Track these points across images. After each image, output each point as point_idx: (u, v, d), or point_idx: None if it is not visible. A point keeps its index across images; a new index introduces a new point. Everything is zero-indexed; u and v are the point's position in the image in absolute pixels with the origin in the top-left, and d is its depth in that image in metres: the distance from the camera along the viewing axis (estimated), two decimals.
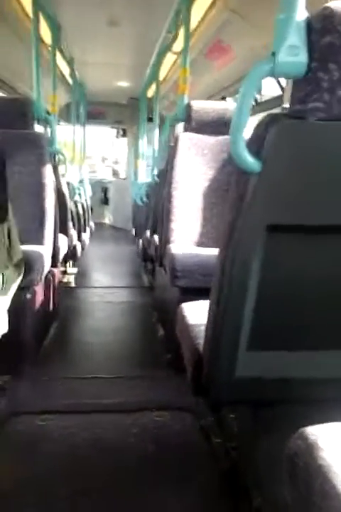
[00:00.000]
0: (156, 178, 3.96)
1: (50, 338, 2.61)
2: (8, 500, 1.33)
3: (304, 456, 0.64)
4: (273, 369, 1.07)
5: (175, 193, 2.40)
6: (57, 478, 1.43)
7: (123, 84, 6.44)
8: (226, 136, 2.43)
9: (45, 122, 3.04)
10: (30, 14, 3.13)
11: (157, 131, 5.32)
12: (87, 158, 8.10)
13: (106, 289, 3.92)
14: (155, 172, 4.21)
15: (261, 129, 0.87)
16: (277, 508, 1.12)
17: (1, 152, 1.26)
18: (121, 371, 2.22)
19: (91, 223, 6.06)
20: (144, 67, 5.36)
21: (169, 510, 1.34)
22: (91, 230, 5.80)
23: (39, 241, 2.35)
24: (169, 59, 4.50)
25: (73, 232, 3.79)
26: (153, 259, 3.40)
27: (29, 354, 2.17)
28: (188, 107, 2.47)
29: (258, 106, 3.20)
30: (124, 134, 8.62)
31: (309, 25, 0.83)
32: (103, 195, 8.86)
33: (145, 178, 6.23)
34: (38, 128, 2.92)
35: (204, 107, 2.46)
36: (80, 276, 4.29)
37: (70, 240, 3.51)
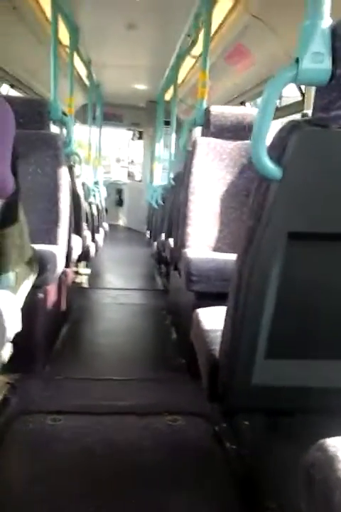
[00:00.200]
0: (172, 182, 3.96)
1: (62, 338, 2.62)
2: (16, 498, 1.34)
3: (323, 468, 0.63)
4: (290, 378, 1.06)
5: (192, 197, 2.40)
6: (66, 478, 1.42)
7: (141, 86, 6.47)
8: (245, 142, 2.43)
9: (61, 123, 3.06)
10: (49, 16, 3.16)
11: (174, 134, 5.33)
12: (102, 159, 8.14)
13: (119, 291, 3.92)
14: (172, 175, 4.21)
15: (283, 135, 0.87)
16: None
17: (14, 153, 1.27)
18: (134, 373, 2.21)
19: (106, 225, 6.08)
20: (162, 70, 5.37)
21: None
22: (105, 231, 5.82)
23: (53, 241, 2.37)
24: (188, 62, 4.50)
25: (87, 233, 3.80)
26: (167, 262, 3.40)
27: (41, 353, 2.18)
28: (207, 111, 2.46)
29: (278, 111, 3.18)
30: (140, 137, 8.65)
31: (334, 32, 0.82)
32: (118, 197, 8.90)
33: (161, 181, 6.24)
34: (54, 129, 2.95)
35: (223, 111, 2.45)
36: (93, 277, 4.30)
37: (84, 241, 3.52)
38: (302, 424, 1.13)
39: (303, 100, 2.77)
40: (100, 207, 5.51)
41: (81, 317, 3.08)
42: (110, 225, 6.96)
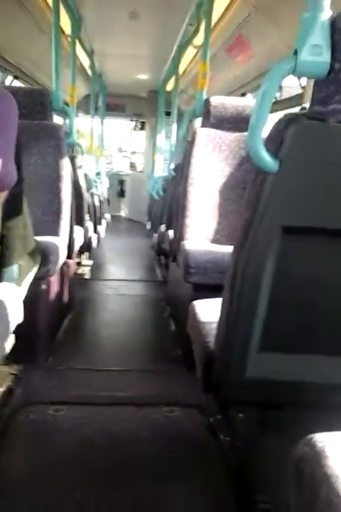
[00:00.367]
0: (173, 173, 3.95)
1: (65, 329, 2.63)
2: (19, 488, 1.36)
3: (310, 462, 0.63)
4: (284, 372, 1.06)
5: (191, 189, 2.39)
6: (67, 468, 1.44)
7: (143, 76, 6.44)
8: (245, 133, 2.40)
9: (64, 113, 3.04)
10: (51, 5, 3.14)
11: (175, 125, 5.30)
12: (105, 149, 8.13)
13: (120, 282, 3.94)
14: (172, 166, 4.19)
15: (280, 128, 0.86)
16: (281, 510, 1.12)
17: (17, 144, 1.27)
18: (133, 364, 2.23)
19: (108, 216, 6.07)
20: (164, 60, 5.34)
21: (175, 503, 1.35)
22: (107, 222, 5.81)
23: (55, 232, 2.37)
24: (189, 53, 4.47)
25: (89, 224, 3.80)
26: (167, 253, 3.40)
27: (43, 344, 2.19)
28: (207, 102, 2.45)
29: (277, 104, 3.18)
30: (142, 127, 8.62)
31: (333, 25, 0.81)
32: (119, 188, 8.88)
33: (162, 172, 6.22)
34: (56, 119, 2.94)
35: (223, 102, 2.43)
36: (95, 269, 4.31)
37: (86, 232, 3.52)
38: (295, 418, 1.13)
39: (303, 94, 2.75)
40: (102, 198, 5.50)
41: (83, 308, 3.09)
42: (112, 216, 6.96)
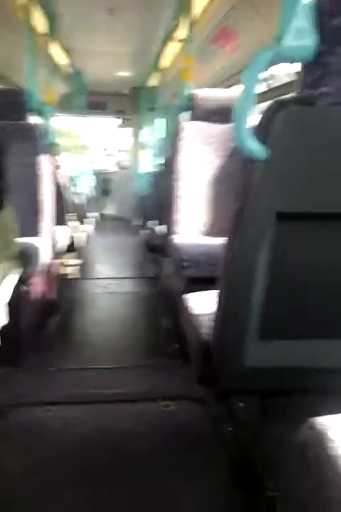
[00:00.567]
0: (160, 168, 3.94)
1: (52, 329, 2.61)
2: (10, 490, 1.34)
3: (314, 446, 0.64)
4: (283, 358, 1.07)
5: (181, 183, 2.38)
6: (60, 468, 1.43)
7: (124, 73, 6.38)
8: (232, 125, 2.39)
9: (40, 113, 3.01)
10: (22, 3, 3.09)
11: (160, 120, 5.28)
12: (88, 148, 8.08)
13: (110, 280, 3.92)
14: (159, 162, 4.18)
15: (268, 115, 0.86)
16: (288, 497, 1.12)
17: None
18: (126, 361, 2.22)
19: (95, 214, 6.04)
20: (146, 56, 5.30)
21: (179, 498, 1.34)
22: (95, 220, 5.78)
23: (36, 233, 2.35)
24: (174, 47, 4.44)
25: (75, 223, 3.77)
26: (157, 249, 3.39)
27: (30, 345, 2.18)
28: (192, 95, 2.44)
29: (271, 91, 3.17)
30: (127, 124, 8.57)
31: (318, 7, 0.81)
32: (105, 186, 8.83)
33: (149, 168, 6.20)
34: (35, 119, 2.90)
35: (209, 95, 2.43)
36: (84, 268, 4.29)
37: (71, 231, 3.49)
38: (296, 404, 1.14)
39: (296, 80, 2.75)
40: (88, 196, 5.46)
41: (72, 308, 3.07)
42: (99, 215, 6.91)
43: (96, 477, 1.39)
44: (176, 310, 2.00)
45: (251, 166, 0.89)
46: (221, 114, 2.42)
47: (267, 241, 0.93)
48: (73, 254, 4.28)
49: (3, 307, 1.38)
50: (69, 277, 3.87)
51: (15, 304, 1.51)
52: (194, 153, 2.40)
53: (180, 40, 3.94)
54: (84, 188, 5.46)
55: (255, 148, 0.86)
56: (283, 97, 0.90)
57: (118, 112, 8.22)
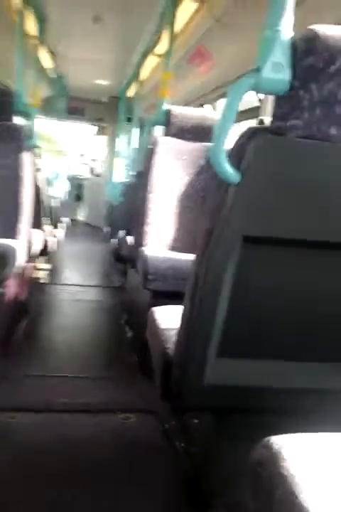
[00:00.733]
0: (133, 179, 3.95)
1: (20, 335, 2.57)
2: None
3: (268, 465, 0.65)
4: (242, 377, 1.09)
5: (152, 196, 2.40)
6: (21, 475, 1.41)
7: (104, 82, 6.40)
8: (204, 143, 2.45)
9: (25, 115, 2.98)
10: (16, 5, 3.08)
11: (135, 131, 5.31)
12: (64, 154, 8.02)
13: (77, 287, 3.90)
14: (132, 172, 4.20)
15: (242, 141, 0.89)
16: None
17: None
18: (88, 371, 2.21)
19: (67, 219, 5.97)
20: (126, 66, 5.33)
21: (130, 510, 1.34)
22: (66, 226, 5.72)
23: (13, 235, 2.31)
24: (151, 61, 4.49)
25: (48, 228, 3.73)
26: (125, 259, 3.39)
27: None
28: (168, 111, 2.47)
29: (237, 115, 3.22)
30: (102, 132, 8.56)
31: (294, 45, 0.85)
32: (77, 192, 8.76)
33: (122, 178, 6.20)
34: (18, 120, 2.88)
35: (184, 112, 2.47)
36: (52, 273, 4.25)
37: (45, 235, 3.45)
38: (251, 423, 1.16)
39: (260, 107, 2.84)
40: (61, 201, 5.41)
41: (39, 313, 3.03)
42: (70, 220, 6.83)
43: (54, 485, 1.38)
44: (139, 322, 2.00)
45: (223, 189, 0.92)
46: (194, 132, 2.46)
47: (233, 262, 0.95)
48: (44, 258, 4.22)
49: None
50: (38, 282, 3.82)
51: None
52: (166, 168, 2.42)
53: (159, 55, 4.00)
54: (59, 192, 5.40)
55: (229, 172, 0.88)
56: (250, 122, 0.93)
57: (96, 120, 8.21)
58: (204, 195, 2.40)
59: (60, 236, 4.89)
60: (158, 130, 2.67)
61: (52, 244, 4.00)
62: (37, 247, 2.97)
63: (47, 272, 4.17)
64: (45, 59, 5.03)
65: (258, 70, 0.86)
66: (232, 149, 0.92)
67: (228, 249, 0.94)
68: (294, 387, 1.12)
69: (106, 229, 6.51)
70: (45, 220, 3.51)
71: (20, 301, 2.64)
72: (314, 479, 0.61)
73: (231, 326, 1.01)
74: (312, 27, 0.83)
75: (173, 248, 2.41)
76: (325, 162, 0.89)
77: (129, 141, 5.62)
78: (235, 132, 0.95)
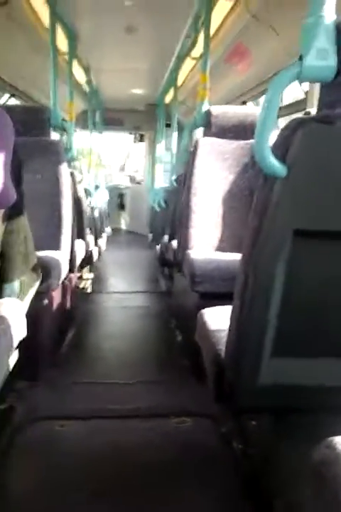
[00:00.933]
0: (175, 184, 3.96)
1: (68, 343, 2.62)
2: (26, 505, 1.33)
3: (332, 465, 0.63)
4: (298, 376, 1.06)
5: (195, 199, 2.40)
6: (74, 484, 1.42)
7: (140, 90, 6.47)
8: (247, 141, 2.42)
9: (62, 129, 3.07)
10: (47, 24, 3.17)
11: (175, 136, 5.33)
12: (104, 167, 8.18)
13: (123, 294, 3.93)
14: (174, 177, 4.21)
15: (288, 133, 0.87)
16: None
17: (18, 157, 1.27)
18: (139, 376, 2.21)
19: (108, 229, 6.08)
20: (161, 73, 5.36)
21: None
22: (108, 235, 5.82)
23: (56, 247, 2.38)
24: (187, 64, 4.50)
25: (90, 238, 3.80)
26: (170, 264, 3.40)
27: (47, 359, 2.18)
28: (208, 112, 2.47)
29: (280, 110, 3.17)
30: (141, 139, 8.68)
31: (338, 29, 0.82)
32: (119, 201, 8.92)
33: (163, 184, 6.24)
34: (55, 135, 2.97)
35: (224, 111, 2.45)
36: (97, 282, 4.31)
37: (87, 246, 3.53)
38: (310, 423, 1.12)
39: (306, 99, 2.76)
40: (102, 211, 5.51)
41: (86, 322, 3.08)
42: (113, 229, 6.95)
43: (107, 492, 1.38)
44: (189, 326, 1.99)
45: (270, 184, 0.90)
46: (235, 130, 2.44)
47: (284, 258, 0.93)
48: (88, 267, 4.31)
49: (23, 320, 1.39)
50: (84, 291, 3.89)
51: (34, 318, 1.52)
52: (208, 169, 2.41)
53: (195, 58, 3.99)
54: (100, 202, 5.52)
55: (275, 165, 0.86)
56: (298, 114, 0.91)
57: (135, 128, 8.33)
58: (250, 193, 2.37)
59: (103, 245, 4.97)
60: (199, 132, 2.67)
61: (95, 253, 4.07)
62: (80, 257, 3.03)
63: (91, 281, 4.24)
64: (79, 73, 5.15)
65: (300, 58, 0.84)
66: (277, 142, 0.90)
67: (278, 245, 0.92)
68: None
69: (149, 235, 6.58)
70: (87, 230, 3.59)
71: (66, 310, 2.69)
72: None
73: (284, 323, 0.99)
74: None
75: (219, 249, 2.39)
76: None
77: (169, 146, 5.65)
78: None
